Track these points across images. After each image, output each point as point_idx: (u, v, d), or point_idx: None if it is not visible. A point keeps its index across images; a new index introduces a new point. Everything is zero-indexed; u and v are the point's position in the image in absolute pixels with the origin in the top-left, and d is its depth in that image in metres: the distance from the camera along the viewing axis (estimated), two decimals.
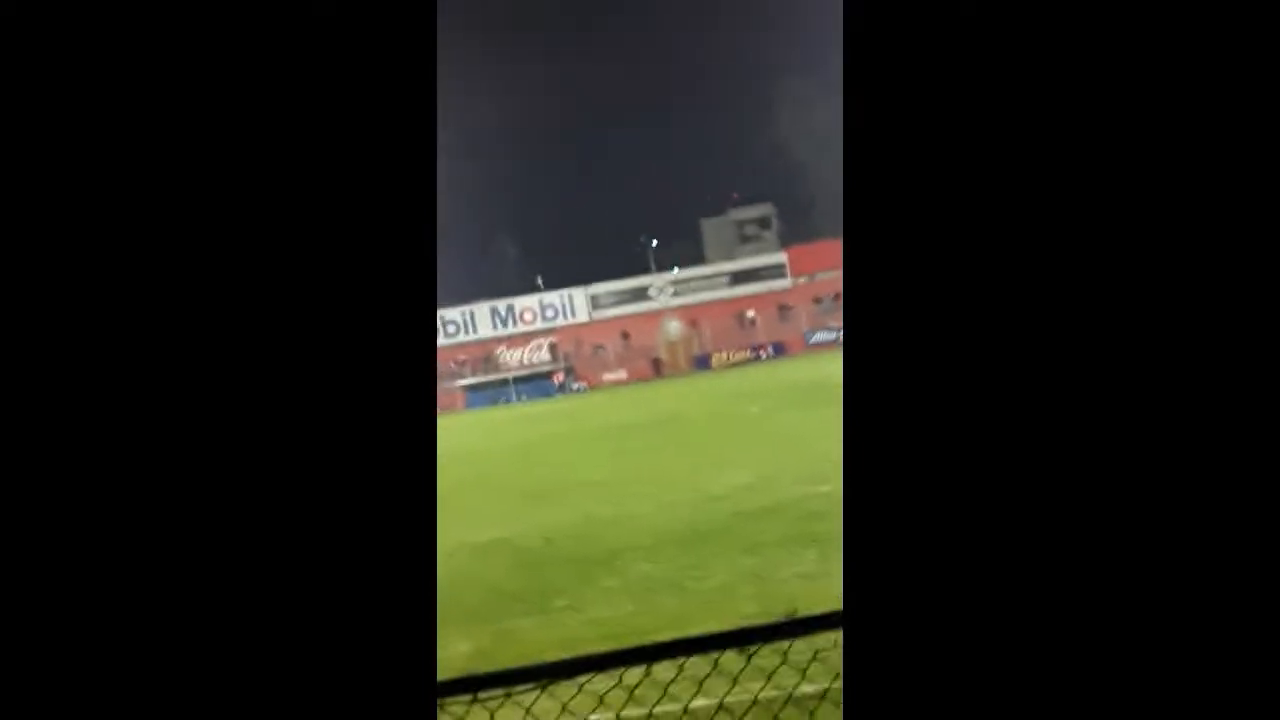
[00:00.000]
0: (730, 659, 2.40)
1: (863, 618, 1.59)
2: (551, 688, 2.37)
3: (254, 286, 1.58)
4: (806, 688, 3.60)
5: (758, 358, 54.62)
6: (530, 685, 2.37)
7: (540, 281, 62.28)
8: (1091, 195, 1.53)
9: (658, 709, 3.39)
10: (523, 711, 2.55)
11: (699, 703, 3.63)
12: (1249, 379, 1.50)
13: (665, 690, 2.78)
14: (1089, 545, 1.55)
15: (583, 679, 2.38)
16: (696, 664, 2.38)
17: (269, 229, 1.59)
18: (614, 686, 2.57)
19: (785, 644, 2.32)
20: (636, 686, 2.64)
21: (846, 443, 1.66)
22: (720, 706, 3.39)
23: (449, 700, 2.28)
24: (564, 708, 2.77)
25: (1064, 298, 1.55)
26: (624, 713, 3.30)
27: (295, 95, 1.59)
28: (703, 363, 55.80)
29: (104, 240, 1.54)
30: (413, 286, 1.66)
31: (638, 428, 26.02)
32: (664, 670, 2.42)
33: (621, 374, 56.57)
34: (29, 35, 1.50)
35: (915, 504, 1.58)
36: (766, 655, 2.42)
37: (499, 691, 2.42)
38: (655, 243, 63.81)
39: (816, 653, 2.63)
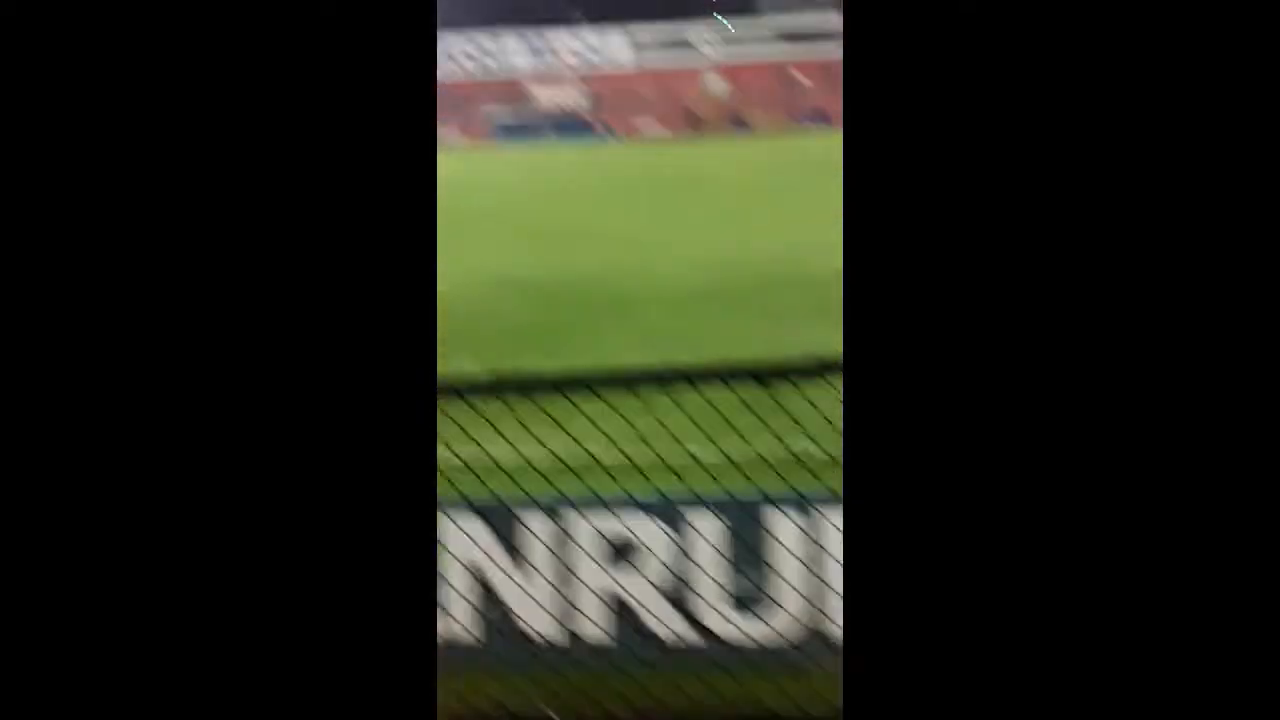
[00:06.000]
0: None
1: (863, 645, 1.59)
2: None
3: (253, 281, 1.60)
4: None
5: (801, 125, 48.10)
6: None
7: (580, 14, 55.73)
8: (1096, 194, 1.52)
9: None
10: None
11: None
12: (1249, 379, 1.47)
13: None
14: (1096, 549, 1.54)
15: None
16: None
17: (269, 223, 1.61)
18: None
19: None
20: None
21: (847, 443, 1.65)
22: None
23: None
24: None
25: (1069, 300, 1.53)
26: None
27: (295, 92, 1.60)
28: (742, 125, 50.33)
29: (105, 238, 1.56)
30: (413, 281, 1.67)
31: (670, 184, 25.78)
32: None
33: (657, 127, 52.02)
34: (29, 35, 1.52)
35: (918, 517, 1.57)
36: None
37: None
38: None
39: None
